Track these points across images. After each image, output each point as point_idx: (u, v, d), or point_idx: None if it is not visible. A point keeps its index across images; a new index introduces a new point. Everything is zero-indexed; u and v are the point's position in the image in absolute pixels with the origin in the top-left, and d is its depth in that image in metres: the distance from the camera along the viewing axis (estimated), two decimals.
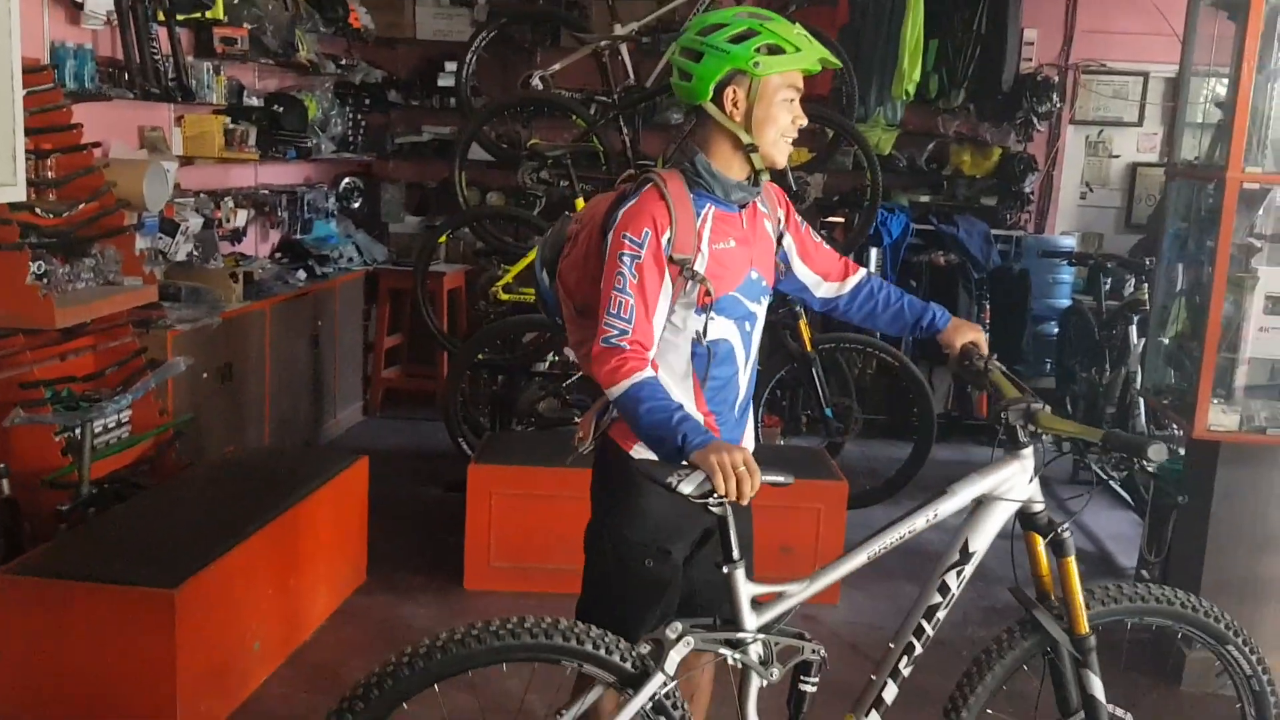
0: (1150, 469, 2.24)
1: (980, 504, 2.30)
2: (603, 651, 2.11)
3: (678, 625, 2.14)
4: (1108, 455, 3.98)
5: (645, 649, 2.14)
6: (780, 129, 2.26)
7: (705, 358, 2.32)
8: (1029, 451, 2.27)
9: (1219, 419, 3.47)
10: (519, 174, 5.15)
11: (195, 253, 5.02)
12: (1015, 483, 2.27)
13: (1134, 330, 5.19)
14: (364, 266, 6.54)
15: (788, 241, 2.49)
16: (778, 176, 2.49)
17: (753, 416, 2.56)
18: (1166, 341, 3.96)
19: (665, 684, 2.12)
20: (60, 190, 4.07)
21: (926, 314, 2.52)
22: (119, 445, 4.04)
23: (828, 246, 2.56)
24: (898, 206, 6.70)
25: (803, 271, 2.52)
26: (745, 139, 2.25)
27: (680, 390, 2.30)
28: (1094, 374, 5.60)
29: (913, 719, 3.43)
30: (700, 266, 2.24)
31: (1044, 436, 6.28)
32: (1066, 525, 2.30)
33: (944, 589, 2.31)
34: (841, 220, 6.54)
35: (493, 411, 5.23)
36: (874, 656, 3.83)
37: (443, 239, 6.06)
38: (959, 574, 2.31)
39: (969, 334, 2.49)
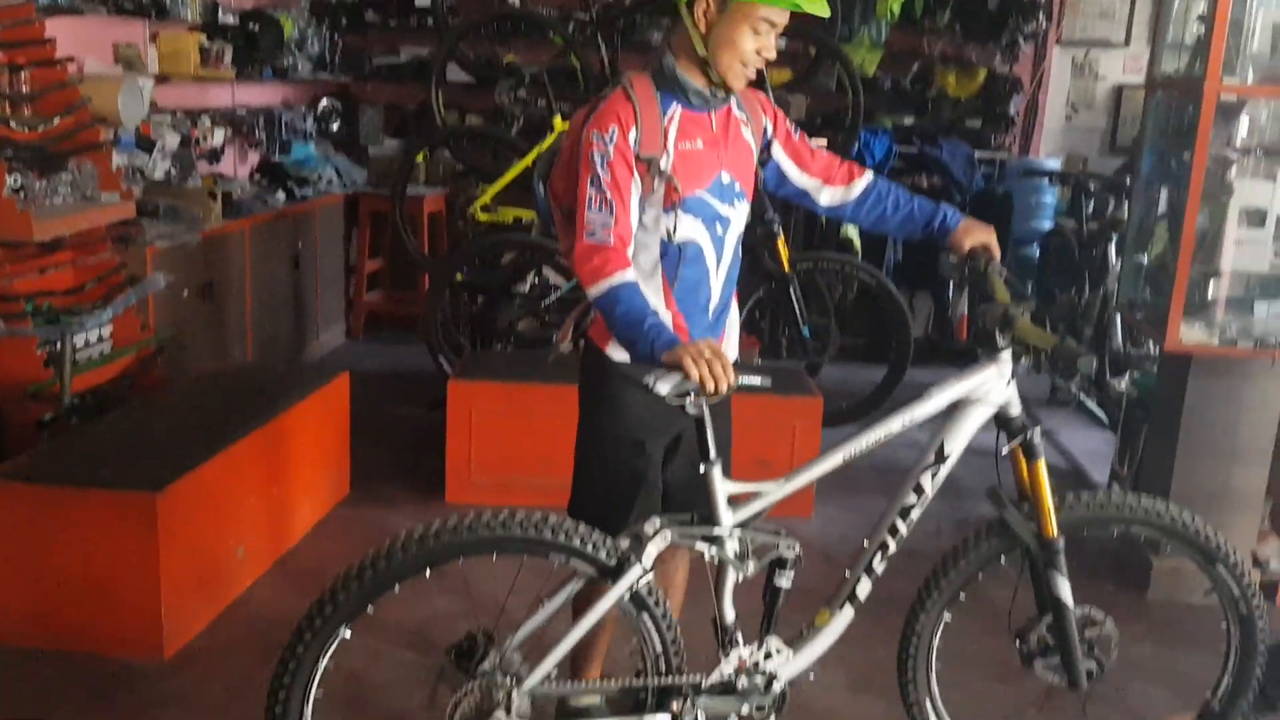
0: (1126, 387, 2.23)
1: (957, 407, 2.31)
2: (588, 547, 2.16)
3: (656, 520, 2.19)
4: (1055, 365, 4.02)
5: (625, 543, 2.19)
6: (740, 55, 2.24)
7: (673, 258, 2.35)
8: (1006, 356, 2.29)
9: (1191, 332, 3.51)
10: (496, 93, 5.11)
11: (173, 171, 4.98)
12: (992, 386, 2.30)
13: (1113, 249, 5.21)
14: (343, 189, 6.50)
15: (777, 150, 2.50)
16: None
17: (736, 327, 2.58)
18: (1146, 262, 3.98)
19: (642, 575, 2.17)
20: (34, 105, 4.04)
21: (938, 215, 2.51)
22: (101, 360, 4.06)
23: (827, 152, 2.56)
24: (881, 129, 6.68)
25: (799, 178, 2.53)
26: (700, 51, 2.25)
27: (649, 289, 2.31)
28: (1073, 295, 5.64)
29: (882, 622, 3.53)
30: (666, 165, 2.26)
31: (1022, 358, 6.27)
32: (1037, 428, 2.34)
33: (919, 490, 2.35)
34: (825, 142, 6.50)
35: (473, 331, 5.25)
36: (845, 565, 3.94)
37: (420, 158, 6.02)
38: (934, 475, 2.34)
39: (980, 235, 2.47)
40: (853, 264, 5.18)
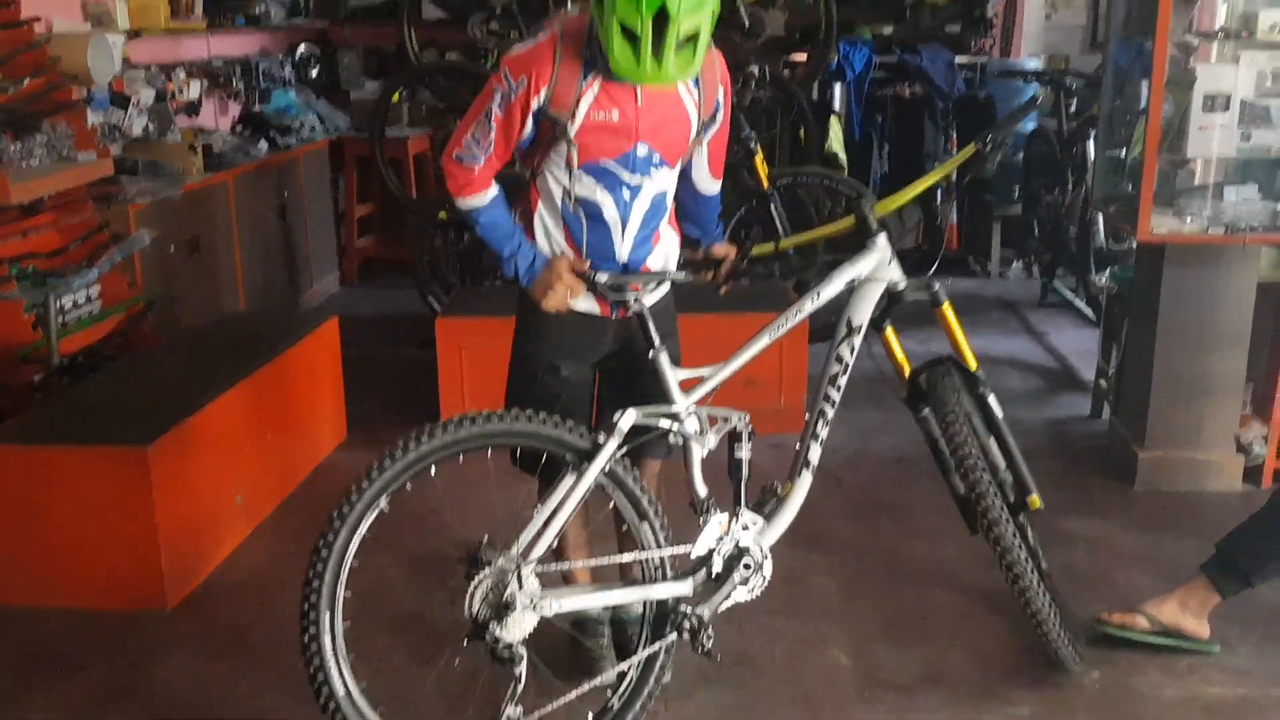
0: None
1: (855, 287, 2.59)
2: (569, 435, 2.38)
3: (621, 410, 2.38)
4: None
5: (601, 436, 2.37)
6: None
7: (573, 213, 2.45)
8: (882, 238, 2.59)
9: (1163, 222, 3.52)
10: (468, 27, 5.08)
11: (151, 127, 4.99)
12: (879, 265, 2.59)
13: (1091, 146, 5.18)
14: (327, 135, 6.50)
15: (720, 118, 2.53)
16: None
17: (668, 250, 2.63)
18: (1129, 157, 3.95)
19: (616, 450, 2.37)
20: (3, 67, 4.04)
21: (713, 232, 2.79)
22: (90, 319, 4.11)
23: None
24: (860, 39, 6.61)
25: (703, 156, 2.61)
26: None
27: (555, 230, 2.47)
28: (1057, 195, 5.62)
29: (871, 528, 3.61)
30: (571, 130, 2.32)
31: (1014, 263, 6.30)
32: (932, 280, 2.67)
33: (839, 360, 2.59)
34: (804, 58, 6.45)
35: (461, 269, 5.27)
36: (835, 474, 3.99)
37: (395, 97, 6.00)
38: (850, 345, 2.58)
39: (730, 249, 2.74)
40: (833, 178, 5.14)
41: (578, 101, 2.30)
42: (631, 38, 2.13)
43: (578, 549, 2.76)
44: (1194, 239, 3.49)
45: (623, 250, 2.49)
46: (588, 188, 2.40)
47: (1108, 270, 4.37)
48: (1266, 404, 3.76)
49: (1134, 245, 4.70)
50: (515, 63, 2.30)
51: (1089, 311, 5.56)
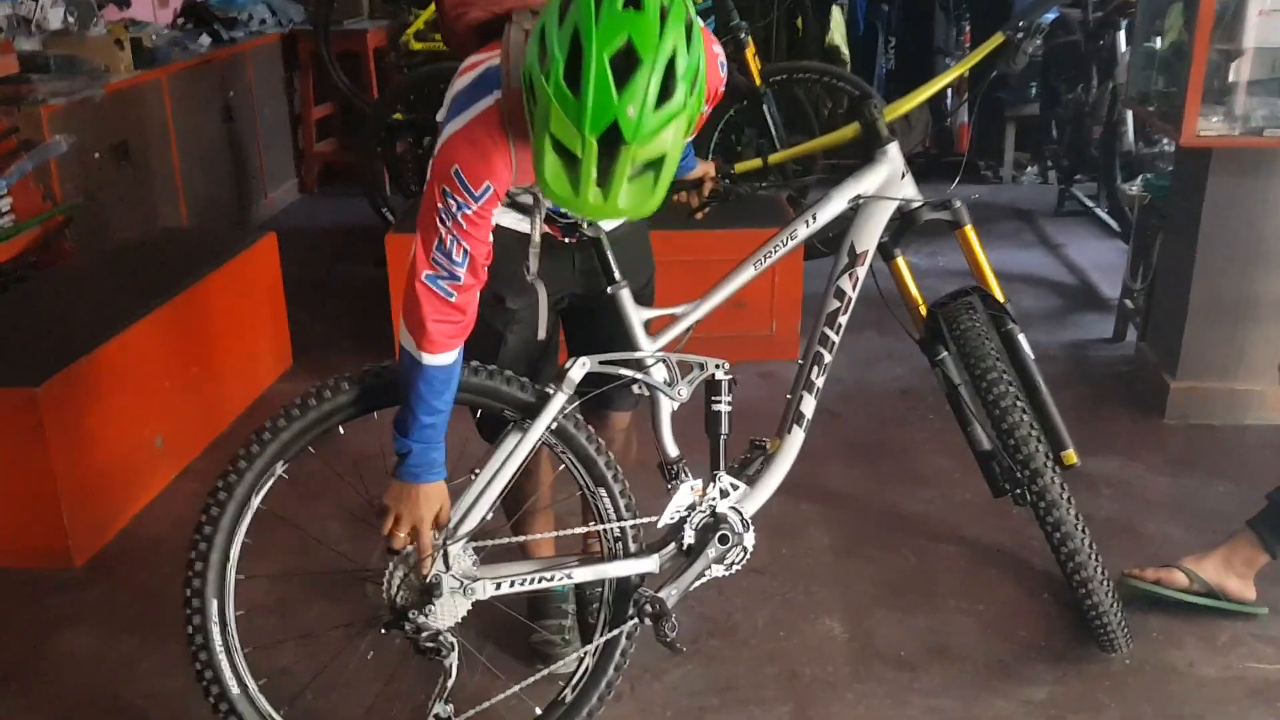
0: None
1: (860, 206, 2.21)
2: (516, 390, 2.04)
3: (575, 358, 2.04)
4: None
5: (550, 388, 2.03)
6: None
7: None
8: (894, 148, 2.20)
9: (1210, 123, 3.10)
10: None
11: (70, 19, 4.48)
12: (889, 180, 2.21)
13: (1122, 38, 4.71)
14: (279, 29, 5.97)
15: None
16: None
17: None
18: (1159, 48, 3.52)
19: (565, 404, 2.02)
20: None
21: (690, 156, 2.40)
22: (1, 235, 3.68)
23: None
24: None
25: None
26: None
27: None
28: (1080, 92, 5.15)
29: (873, 474, 3.24)
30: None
31: (1029, 168, 5.82)
32: (952, 198, 2.25)
33: (840, 294, 2.21)
34: None
35: (423, 176, 4.80)
36: (831, 409, 3.62)
37: None
38: (851, 277, 2.20)
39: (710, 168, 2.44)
40: (833, 74, 4.64)
41: None
42: (570, 158, 1.55)
43: (540, 519, 2.39)
44: (1247, 142, 3.08)
45: None
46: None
47: (1139, 178, 3.93)
48: None
49: (1170, 149, 4.27)
50: (468, 162, 1.74)
51: (1111, 221, 5.14)
